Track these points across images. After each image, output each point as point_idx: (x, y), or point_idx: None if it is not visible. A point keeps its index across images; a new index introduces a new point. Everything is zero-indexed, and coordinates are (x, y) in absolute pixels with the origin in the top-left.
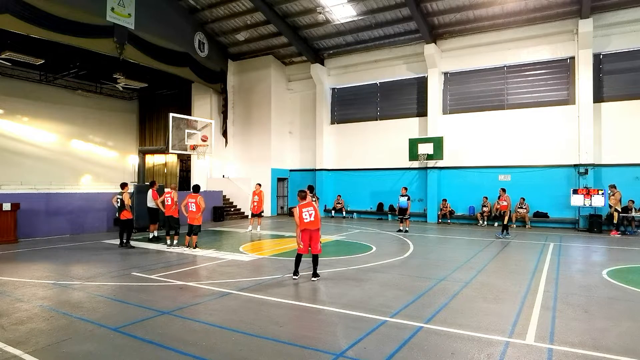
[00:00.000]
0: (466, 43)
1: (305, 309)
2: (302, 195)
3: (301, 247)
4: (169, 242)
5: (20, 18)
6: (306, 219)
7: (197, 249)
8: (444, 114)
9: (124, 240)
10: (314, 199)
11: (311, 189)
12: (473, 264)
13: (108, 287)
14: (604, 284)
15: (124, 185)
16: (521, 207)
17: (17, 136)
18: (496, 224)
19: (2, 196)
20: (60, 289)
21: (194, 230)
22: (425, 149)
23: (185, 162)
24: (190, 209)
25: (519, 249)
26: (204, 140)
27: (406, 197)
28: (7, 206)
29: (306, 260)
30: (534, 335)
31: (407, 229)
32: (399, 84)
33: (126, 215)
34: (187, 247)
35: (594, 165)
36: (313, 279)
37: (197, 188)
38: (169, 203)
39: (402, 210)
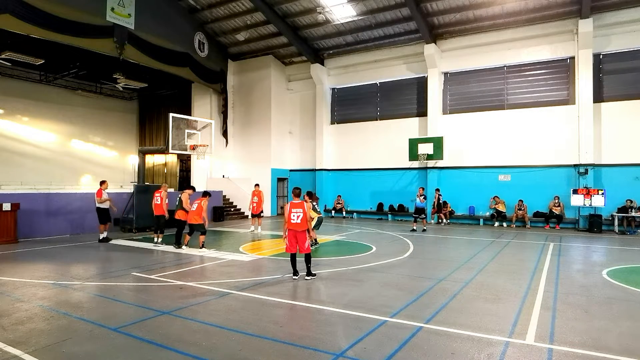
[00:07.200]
0: (466, 43)
1: (305, 309)
2: (295, 193)
3: (287, 245)
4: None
5: (21, 18)
6: (293, 219)
7: (203, 249)
8: (444, 114)
9: (179, 241)
10: (314, 203)
11: (310, 194)
12: (473, 264)
13: (108, 287)
14: (604, 284)
15: (189, 187)
16: (520, 209)
17: (17, 136)
18: (496, 223)
19: (2, 196)
20: (60, 289)
21: (196, 229)
22: (425, 149)
23: (185, 162)
24: (192, 208)
25: (519, 249)
26: (194, 148)
27: (423, 197)
28: (7, 206)
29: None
30: (534, 335)
31: (424, 228)
32: (399, 84)
33: (179, 215)
34: (185, 245)
35: (594, 165)
36: (307, 277)
37: (205, 193)
38: (158, 202)
39: (420, 210)
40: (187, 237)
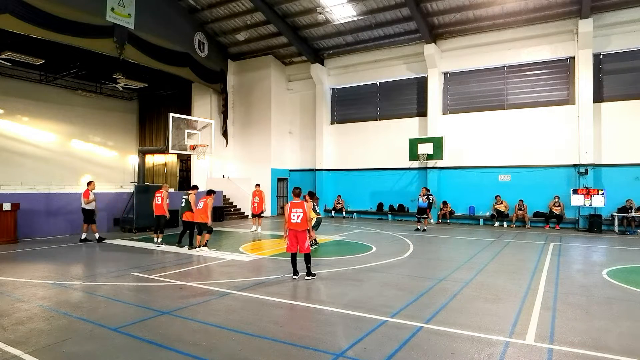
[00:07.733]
0: (466, 43)
1: (305, 309)
2: (296, 193)
3: (287, 244)
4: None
5: (21, 18)
6: (293, 219)
7: (204, 248)
8: (444, 114)
9: (191, 242)
10: (314, 204)
11: (312, 194)
12: (473, 264)
13: (108, 287)
14: (604, 284)
15: (193, 188)
16: (520, 209)
17: (17, 136)
18: (496, 223)
19: (2, 196)
20: (60, 289)
21: (202, 228)
22: (425, 149)
23: (185, 162)
24: (198, 206)
25: (519, 249)
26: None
27: (425, 197)
28: (7, 206)
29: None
30: (534, 335)
31: (425, 228)
32: (399, 84)
33: (187, 216)
34: (199, 246)
35: (594, 165)
36: (307, 277)
37: (210, 191)
38: (159, 202)
39: (422, 210)
40: (199, 238)
